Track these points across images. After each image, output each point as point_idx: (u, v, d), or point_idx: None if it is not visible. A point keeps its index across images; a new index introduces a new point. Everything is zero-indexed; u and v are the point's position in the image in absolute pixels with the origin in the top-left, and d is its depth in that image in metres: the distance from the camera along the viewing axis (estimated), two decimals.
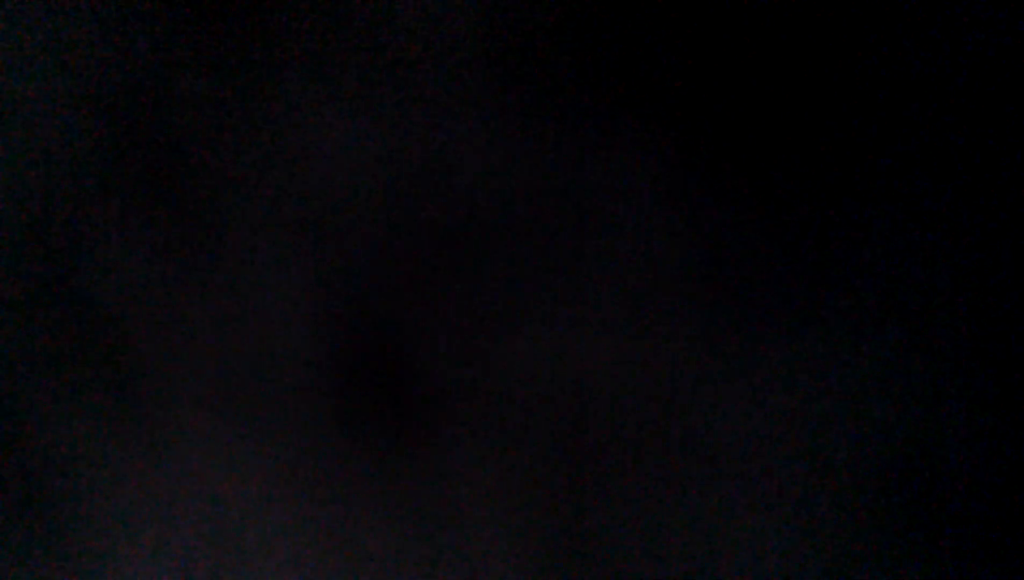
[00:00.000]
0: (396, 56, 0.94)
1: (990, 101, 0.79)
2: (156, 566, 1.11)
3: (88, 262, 1.09)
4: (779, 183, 0.85)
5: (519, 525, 0.96)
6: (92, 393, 1.11)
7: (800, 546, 0.88)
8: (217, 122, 1.02)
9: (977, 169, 0.80)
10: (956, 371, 0.82)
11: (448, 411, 0.97)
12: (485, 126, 0.92)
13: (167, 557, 1.11)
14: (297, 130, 0.99)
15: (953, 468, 0.83)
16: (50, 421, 1.14)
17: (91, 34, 1.05)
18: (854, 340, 0.84)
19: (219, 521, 1.08)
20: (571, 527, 0.95)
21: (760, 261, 0.86)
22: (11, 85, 1.10)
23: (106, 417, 1.11)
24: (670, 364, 0.89)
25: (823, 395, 0.86)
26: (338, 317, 1.00)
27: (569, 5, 0.89)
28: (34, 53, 1.08)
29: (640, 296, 0.90)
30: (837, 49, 0.82)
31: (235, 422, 1.06)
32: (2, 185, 1.12)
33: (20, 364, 1.15)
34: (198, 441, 1.07)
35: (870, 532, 0.86)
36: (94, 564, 1.15)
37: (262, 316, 1.03)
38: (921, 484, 0.84)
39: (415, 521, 1.00)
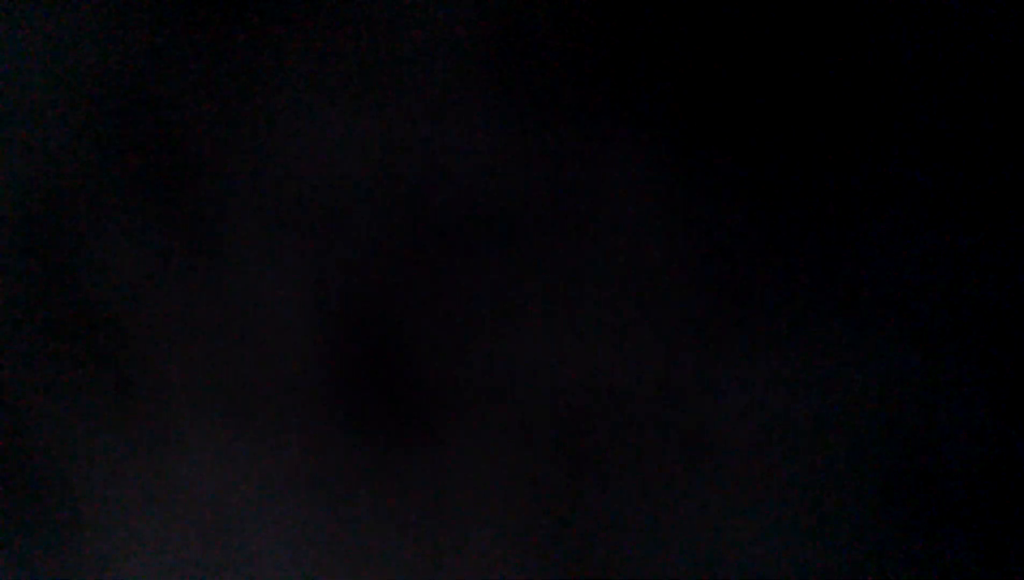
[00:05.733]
0: (396, 56, 0.94)
1: (990, 101, 0.79)
2: (156, 566, 1.11)
3: (88, 262, 1.09)
4: (779, 183, 0.85)
5: (519, 525, 0.96)
6: (92, 393, 1.11)
7: (800, 546, 0.88)
8: (217, 121, 1.02)
9: (977, 169, 0.80)
10: (956, 371, 0.82)
11: (448, 410, 0.97)
12: (485, 126, 0.92)
13: (167, 557, 1.11)
14: (297, 129, 0.99)
15: (953, 468, 0.83)
16: (50, 421, 1.14)
17: (91, 34, 1.05)
18: (854, 340, 0.84)
19: (219, 521, 1.08)
20: (571, 527, 0.95)
21: (760, 261, 0.86)
22: (11, 85, 1.10)
23: (106, 417, 1.11)
24: (670, 364, 0.89)
25: (823, 395, 0.86)
26: (338, 316, 1.00)
27: (568, 5, 0.89)
28: (34, 53, 1.08)
29: (640, 296, 0.90)
30: (837, 49, 0.82)
31: (235, 422, 1.06)
32: (2, 185, 1.12)
33: (20, 364, 1.15)
34: (198, 441, 1.07)
35: (870, 531, 0.86)
36: (94, 564, 1.15)
37: (262, 315, 1.03)
38: (921, 484, 0.84)
39: (415, 520, 1.00)
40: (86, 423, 1.12)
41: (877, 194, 0.82)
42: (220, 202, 1.03)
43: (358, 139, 0.97)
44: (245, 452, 1.06)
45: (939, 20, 0.79)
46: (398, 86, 0.95)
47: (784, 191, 0.85)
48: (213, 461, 1.07)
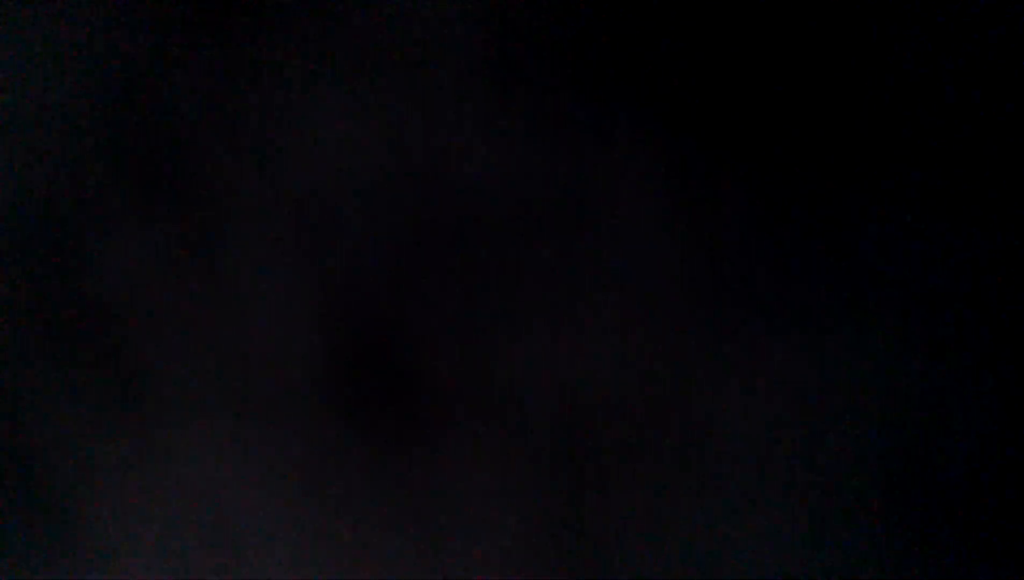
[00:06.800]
0: (396, 56, 0.94)
1: (990, 101, 0.79)
2: (156, 566, 1.11)
3: (88, 262, 1.09)
4: (779, 183, 0.85)
5: (519, 525, 0.96)
6: (92, 393, 1.11)
7: (801, 546, 0.88)
8: (217, 122, 1.01)
9: (977, 169, 0.80)
10: (956, 371, 0.82)
11: (449, 410, 0.97)
12: (486, 126, 0.92)
13: (167, 557, 1.11)
14: (297, 129, 0.99)
15: (953, 468, 0.83)
16: (50, 421, 1.14)
17: (91, 34, 1.05)
18: (854, 340, 0.84)
19: (219, 521, 1.08)
20: (571, 527, 0.95)
21: (760, 261, 0.86)
22: (11, 85, 1.10)
23: (106, 417, 1.11)
24: (670, 364, 0.89)
25: (823, 394, 0.86)
26: (339, 317, 1.00)
27: (569, 5, 0.89)
28: (34, 53, 1.08)
29: (641, 296, 0.90)
30: (837, 49, 0.82)
31: (235, 422, 1.06)
32: (3, 185, 1.12)
33: (20, 364, 1.14)
34: (198, 441, 1.07)
35: (870, 531, 0.86)
36: (94, 564, 1.15)
37: (262, 316, 1.03)
38: (921, 484, 0.84)
39: (416, 521, 1.00)
40: (86, 423, 1.12)
41: (878, 194, 0.82)
42: (220, 202, 1.03)
43: (359, 139, 0.97)
44: (245, 452, 1.06)
45: (939, 20, 0.79)
46: (399, 86, 0.95)
47: (785, 192, 0.85)
48: (213, 461, 1.07)
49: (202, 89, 1.02)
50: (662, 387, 0.90)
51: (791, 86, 0.83)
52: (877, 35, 0.80)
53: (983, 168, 0.79)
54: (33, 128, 1.09)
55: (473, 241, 0.94)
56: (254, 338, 1.03)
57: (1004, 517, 0.82)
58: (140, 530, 1.11)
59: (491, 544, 0.97)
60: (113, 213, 1.07)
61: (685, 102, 0.86)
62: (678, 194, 0.87)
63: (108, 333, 1.10)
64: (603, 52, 0.88)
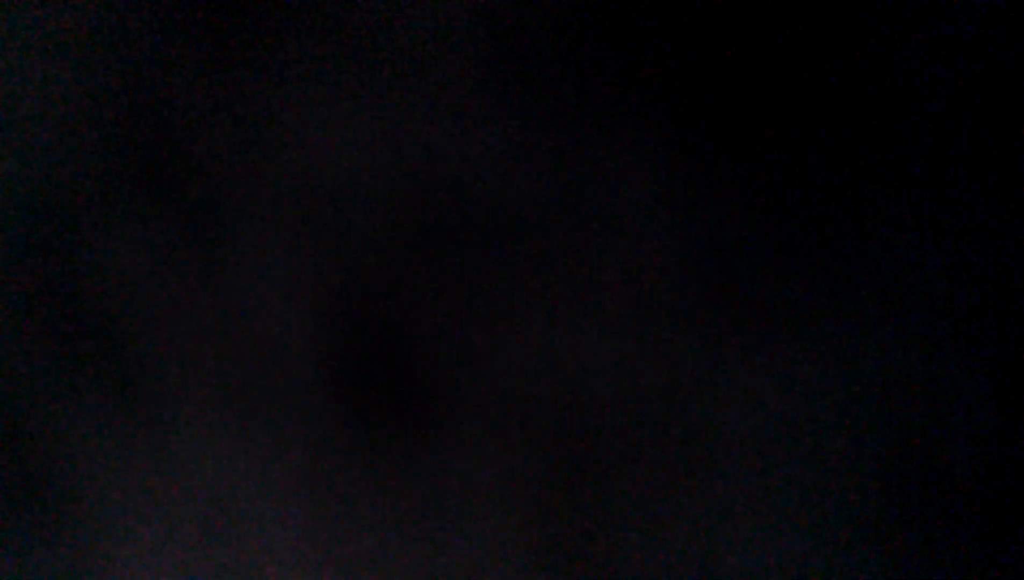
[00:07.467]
0: (396, 56, 0.94)
1: (990, 101, 0.79)
2: (156, 566, 1.11)
3: (88, 262, 1.09)
4: (779, 183, 0.85)
5: (519, 525, 0.96)
6: (92, 393, 1.11)
7: (800, 546, 0.88)
8: (217, 122, 1.02)
9: (977, 169, 0.80)
10: (956, 371, 0.82)
11: (449, 410, 0.97)
12: (486, 126, 0.92)
13: (167, 557, 1.11)
14: (297, 130, 0.99)
15: (954, 468, 0.83)
16: (50, 421, 1.14)
17: (91, 34, 1.05)
18: (854, 340, 0.84)
19: (219, 521, 1.08)
20: (571, 527, 0.95)
21: (760, 261, 0.86)
22: (11, 85, 1.10)
23: (106, 417, 1.11)
24: (670, 364, 0.89)
25: (823, 395, 0.86)
26: (339, 316, 1.00)
27: (569, 5, 0.89)
28: (34, 53, 1.08)
29: (640, 296, 0.90)
30: (837, 49, 0.82)
31: (236, 421, 1.06)
32: (2, 185, 1.12)
33: (20, 364, 1.15)
34: (198, 441, 1.07)
35: (870, 532, 0.86)
36: (94, 564, 1.15)
37: (263, 315, 1.03)
38: (921, 484, 0.84)
39: (416, 520, 1.00)
40: (86, 423, 1.12)
41: (877, 194, 0.82)
42: (221, 202, 1.03)
43: (359, 139, 0.97)
44: (245, 451, 1.06)
45: (939, 20, 0.79)
46: (399, 86, 0.95)
47: (785, 191, 0.85)
48: (213, 461, 1.07)
49: (202, 88, 1.02)
50: (662, 387, 0.90)
51: (792, 86, 0.83)
52: (877, 35, 0.81)
53: (983, 168, 0.79)
54: (33, 128, 1.09)
55: (473, 240, 0.94)
56: (254, 338, 1.04)
57: (1004, 517, 0.82)
58: (140, 530, 1.11)
59: (491, 544, 0.98)
60: (114, 213, 1.07)
61: (685, 102, 0.86)
62: (678, 194, 0.87)
63: (108, 333, 1.10)
64: (603, 52, 0.88)
